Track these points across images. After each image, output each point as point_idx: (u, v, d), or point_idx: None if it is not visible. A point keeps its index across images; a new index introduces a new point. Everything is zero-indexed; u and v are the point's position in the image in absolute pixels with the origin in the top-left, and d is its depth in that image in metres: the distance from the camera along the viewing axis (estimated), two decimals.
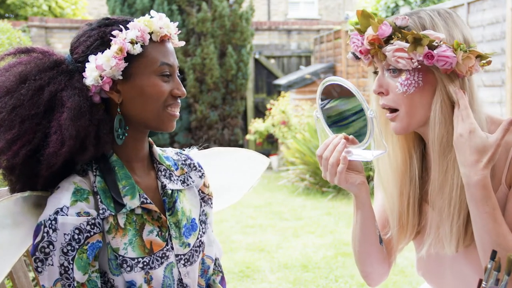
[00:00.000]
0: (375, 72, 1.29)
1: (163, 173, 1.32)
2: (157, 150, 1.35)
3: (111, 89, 1.20)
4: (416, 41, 1.15)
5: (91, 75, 1.17)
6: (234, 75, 9.48)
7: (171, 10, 9.03)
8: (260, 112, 10.47)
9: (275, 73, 10.82)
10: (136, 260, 1.19)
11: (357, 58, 1.30)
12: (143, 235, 1.22)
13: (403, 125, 1.25)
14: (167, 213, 1.28)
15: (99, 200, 1.18)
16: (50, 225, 1.12)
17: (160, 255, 1.24)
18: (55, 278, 1.12)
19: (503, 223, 1.15)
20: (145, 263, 1.20)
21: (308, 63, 11.00)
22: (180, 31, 1.29)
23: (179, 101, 1.27)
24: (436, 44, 1.15)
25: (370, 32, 1.20)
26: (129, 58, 1.19)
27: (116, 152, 1.24)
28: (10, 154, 1.13)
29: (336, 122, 1.32)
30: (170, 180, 1.33)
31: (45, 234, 1.12)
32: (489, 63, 1.21)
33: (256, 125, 9.25)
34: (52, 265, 1.11)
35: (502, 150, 1.19)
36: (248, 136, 9.51)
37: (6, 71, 1.19)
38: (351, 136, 1.28)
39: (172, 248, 1.27)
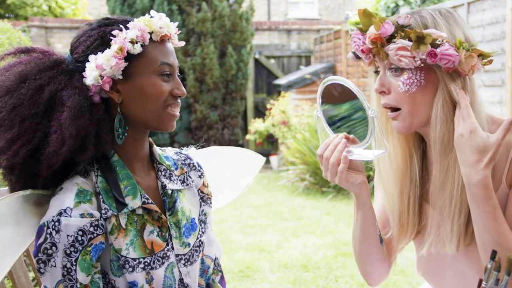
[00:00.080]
0: (376, 72, 1.29)
1: (163, 173, 1.32)
2: (157, 150, 1.35)
3: (111, 88, 1.20)
4: (419, 40, 1.15)
5: (91, 74, 1.17)
6: (234, 75, 9.48)
7: (171, 10, 9.03)
8: (260, 112, 10.47)
9: (275, 73, 10.83)
10: (137, 261, 1.19)
11: (357, 57, 1.30)
12: (144, 236, 1.22)
13: (406, 124, 1.25)
14: (167, 213, 1.28)
15: (102, 200, 1.18)
16: (53, 227, 1.12)
17: (161, 256, 1.24)
18: (57, 279, 1.12)
19: (503, 222, 1.16)
20: (146, 264, 1.20)
21: (308, 63, 11.00)
22: (180, 31, 1.29)
23: (179, 101, 1.27)
24: (439, 43, 1.16)
25: (372, 31, 1.20)
26: (129, 57, 1.19)
27: (116, 152, 1.24)
28: (10, 154, 1.13)
29: (336, 121, 1.32)
30: (170, 180, 1.33)
31: (48, 236, 1.12)
32: (490, 62, 1.21)
33: (256, 125, 9.25)
34: (55, 266, 1.11)
35: (503, 150, 1.19)
36: (248, 136, 9.51)
37: (6, 70, 1.19)
38: (351, 136, 1.28)
39: (173, 248, 1.27)
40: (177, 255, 1.27)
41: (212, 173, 1.51)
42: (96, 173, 1.21)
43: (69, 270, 1.11)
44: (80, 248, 1.12)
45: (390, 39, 1.19)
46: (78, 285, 1.12)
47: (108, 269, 1.19)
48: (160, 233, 1.25)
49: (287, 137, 8.29)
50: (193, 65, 9.18)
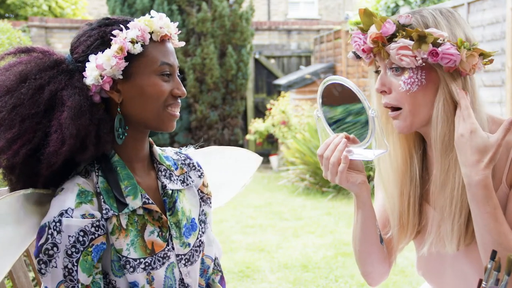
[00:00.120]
0: (377, 72, 1.29)
1: (163, 173, 1.32)
2: (157, 150, 1.35)
3: (111, 88, 1.20)
4: (421, 39, 1.15)
5: (91, 74, 1.17)
6: (234, 75, 9.48)
7: (171, 10, 9.03)
8: (260, 112, 10.47)
9: (275, 73, 10.83)
10: (138, 261, 1.19)
11: (358, 57, 1.30)
12: (144, 236, 1.22)
13: (407, 123, 1.25)
14: (167, 213, 1.28)
15: (102, 200, 1.18)
16: (55, 227, 1.12)
17: (162, 256, 1.24)
18: (58, 280, 1.11)
19: (504, 222, 1.16)
20: (147, 264, 1.20)
21: (308, 63, 11.00)
22: (180, 31, 1.29)
23: (179, 101, 1.27)
24: (441, 42, 1.16)
25: (373, 30, 1.20)
26: (130, 57, 1.19)
27: (117, 152, 1.24)
28: (10, 153, 1.13)
29: (332, 124, 1.33)
30: (170, 180, 1.33)
31: (49, 236, 1.12)
32: (491, 61, 1.21)
33: (256, 125, 9.25)
34: (56, 267, 1.11)
35: (503, 150, 1.19)
36: (248, 136, 9.51)
37: (7, 70, 1.19)
38: (352, 136, 1.28)
39: (173, 248, 1.27)
40: (177, 255, 1.27)
41: (211, 173, 1.51)
42: (97, 173, 1.21)
43: (70, 271, 1.11)
44: (81, 249, 1.12)
45: (391, 38, 1.19)
46: (79, 286, 1.12)
47: (109, 270, 1.19)
48: (160, 233, 1.25)
49: (287, 137, 8.28)
50: (193, 65, 9.18)
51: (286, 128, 8.57)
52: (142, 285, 1.19)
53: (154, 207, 1.25)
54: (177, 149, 1.46)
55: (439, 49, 1.15)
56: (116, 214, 1.18)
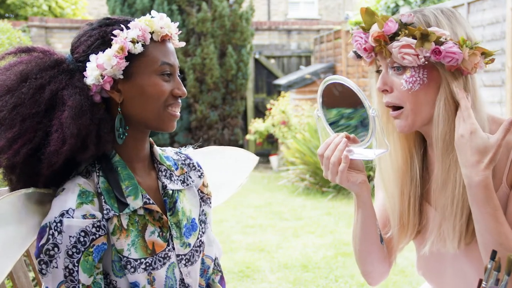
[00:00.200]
0: (378, 71, 1.29)
1: (163, 173, 1.32)
2: (158, 150, 1.35)
3: (112, 88, 1.20)
4: (424, 37, 1.15)
5: (92, 74, 1.17)
6: (234, 75, 9.48)
7: (171, 10, 9.03)
8: (260, 112, 10.47)
9: (275, 73, 10.83)
10: (139, 261, 1.19)
11: (358, 57, 1.30)
12: (145, 236, 1.22)
13: (408, 122, 1.25)
14: (168, 214, 1.28)
15: (103, 200, 1.18)
16: (56, 227, 1.12)
17: (162, 256, 1.24)
18: (59, 280, 1.11)
19: (505, 223, 1.16)
20: (147, 264, 1.20)
21: (308, 63, 11.00)
22: (180, 31, 1.29)
23: (179, 101, 1.27)
24: (443, 40, 1.16)
25: (375, 28, 1.20)
26: (130, 57, 1.19)
27: (118, 152, 1.24)
28: (11, 153, 1.13)
29: (331, 124, 1.33)
30: (171, 180, 1.33)
31: (50, 236, 1.12)
32: (492, 60, 1.21)
33: (256, 125, 9.25)
34: (57, 267, 1.11)
35: (503, 150, 1.19)
36: (248, 136, 9.51)
37: (7, 70, 1.19)
38: (352, 135, 1.28)
39: (173, 248, 1.27)
40: (177, 255, 1.27)
41: (210, 173, 1.52)
42: (97, 174, 1.21)
43: (71, 271, 1.11)
44: (82, 249, 1.12)
45: (393, 37, 1.19)
46: (80, 286, 1.12)
47: (110, 270, 1.18)
48: (161, 233, 1.25)
49: (287, 137, 8.28)
50: (193, 65, 9.18)
51: (286, 128, 8.57)
52: (143, 286, 1.19)
53: (155, 207, 1.25)
54: (177, 149, 1.46)
55: (442, 47, 1.15)
56: (117, 214, 1.18)
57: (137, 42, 1.19)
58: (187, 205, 1.35)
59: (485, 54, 1.19)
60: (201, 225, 1.36)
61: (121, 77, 1.19)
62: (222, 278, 1.46)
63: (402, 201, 1.35)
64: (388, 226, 1.41)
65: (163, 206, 1.29)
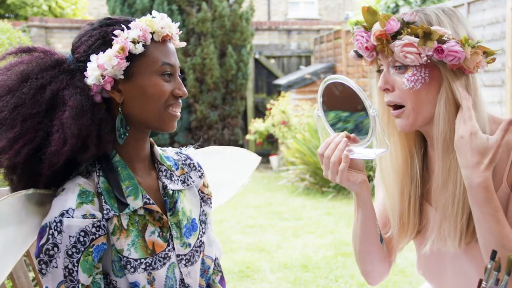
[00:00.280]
0: (379, 71, 1.30)
1: (164, 173, 1.32)
2: (158, 150, 1.35)
3: (113, 88, 1.20)
4: (426, 36, 1.16)
5: (92, 74, 1.17)
6: (234, 75, 9.48)
7: (171, 10, 9.03)
8: (260, 112, 10.47)
9: (275, 73, 10.82)
10: (139, 261, 1.19)
11: (359, 56, 1.30)
12: (145, 236, 1.22)
13: (409, 121, 1.25)
14: (168, 214, 1.28)
15: (103, 200, 1.18)
16: (55, 227, 1.12)
17: (163, 256, 1.24)
18: (59, 280, 1.11)
19: (506, 224, 1.16)
20: (147, 264, 1.20)
21: (308, 63, 11.00)
22: (180, 31, 1.29)
23: (180, 101, 1.27)
24: (446, 39, 1.16)
25: (377, 27, 1.20)
26: (131, 57, 1.19)
27: (118, 152, 1.24)
28: (12, 153, 1.13)
29: (334, 124, 1.33)
30: (171, 180, 1.33)
31: (50, 236, 1.12)
32: (493, 60, 1.21)
33: (256, 125, 9.24)
34: (56, 267, 1.11)
35: (504, 150, 1.19)
36: (248, 136, 9.51)
37: (8, 70, 1.19)
38: (352, 135, 1.28)
39: (174, 249, 1.27)
40: (178, 256, 1.27)
41: (211, 173, 1.52)
42: (98, 174, 1.21)
43: (71, 271, 1.11)
44: (82, 249, 1.12)
45: (395, 35, 1.19)
46: (80, 286, 1.12)
47: (110, 270, 1.19)
48: (161, 233, 1.25)
49: (287, 137, 8.28)
50: (193, 65, 9.18)
51: (286, 128, 8.56)
52: (143, 286, 1.19)
53: (155, 207, 1.25)
54: (177, 149, 1.46)
55: (444, 46, 1.15)
56: (117, 214, 1.18)
57: (138, 42, 1.19)
58: (188, 205, 1.35)
59: (486, 53, 1.19)
60: (201, 225, 1.36)
61: (122, 77, 1.19)
62: (222, 278, 1.46)
63: (402, 201, 1.35)
64: (388, 225, 1.41)
65: (163, 206, 1.29)
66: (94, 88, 1.19)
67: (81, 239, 1.12)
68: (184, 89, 1.26)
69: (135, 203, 1.21)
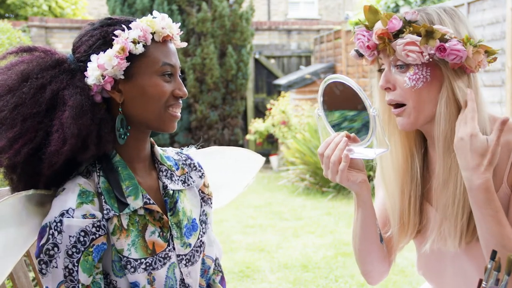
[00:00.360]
0: (380, 70, 1.30)
1: (164, 173, 1.32)
2: (159, 150, 1.35)
3: (113, 88, 1.20)
4: (428, 34, 1.16)
5: (92, 74, 1.17)
6: (234, 75, 9.48)
7: (171, 10, 9.03)
8: (260, 112, 10.47)
9: (275, 73, 10.82)
10: (139, 261, 1.19)
11: (360, 55, 1.30)
12: (145, 236, 1.22)
13: (410, 120, 1.25)
14: (168, 214, 1.28)
15: (103, 200, 1.18)
16: (56, 227, 1.12)
17: (163, 256, 1.24)
18: (59, 280, 1.11)
19: (507, 225, 1.16)
20: (147, 264, 1.20)
21: (308, 63, 11.00)
22: (181, 31, 1.29)
23: (180, 101, 1.27)
24: (448, 38, 1.16)
25: (379, 26, 1.20)
26: (131, 57, 1.19)
27: (118, 152, 1.24)
28: (12, 153, 1.13)
29: (333, 126, 1.33)
30: (171, 180, 1.33)
31: (50, 236, 1.12)
32: (495, 59, 1.21)
33: (256, 125, 9.24)
34: (57, 267, 1.11)
35: (504, 150, 1.19)
36: (248, 136, 9.51)
37: (8, 69, 1.19)
38: (352, 134, 1.28)
39: (174, 249, 1.27)
40: (178, 256, 1.27)
41: (212, 173, 1.52)
42: (98, 174, 1.21)
43: (71, 271, 1.11)
44: (82, 249, 1.12)
45: (397, 34, 1.19)
46: (80, 286, 1.12)
47: (110, 270, 1.19)
48: (161, 233, 1.25)
49: (287, 137, 8.28)
50: (193, 65, 9.18)
51: (286, 128, 8.56)
52: (143, 286, 1.19)
53: (155, 207, 1.25)
54: (178, 149, 1.46)
55: (447, 44, 1.15)
56: (117, 214, 1.18)
57: (138, 43, 1.19)
58: (188, 205, 1.35)
59: (488, 52, 1.19)
60: (201, 225, 1.36)
61: (122, 77, 1.19)
62: (222, 278, 1.46)
63: (402, 200, 1.35)
64: (388, 225, 1.41)
65: (163, 206, 1.29)
66: (95, 88, 1.19)
67: (81, 239, 1.12)
68: (185, 89, 1.26)
69: (135, 203, 1.21)
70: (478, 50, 1.17)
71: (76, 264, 1.11)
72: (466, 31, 1.21)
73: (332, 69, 9.61)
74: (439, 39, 1.16)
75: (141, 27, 1.19)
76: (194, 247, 1.31)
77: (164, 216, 1.26)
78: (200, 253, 1.33)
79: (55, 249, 1.11)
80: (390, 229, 1.40)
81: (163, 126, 1.24)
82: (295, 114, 8.80)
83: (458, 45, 1.15)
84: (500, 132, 1.14)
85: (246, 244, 4.83)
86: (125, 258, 1.18)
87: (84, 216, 1.14)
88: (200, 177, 1.42)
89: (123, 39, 1.18)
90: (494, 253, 1.06)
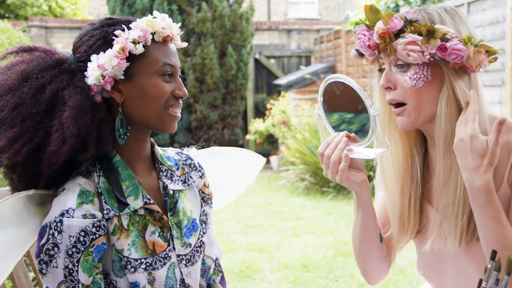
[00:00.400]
0: (380, 70, 1.30)
1: (164, 173, 1.32)
2: (159, 150, 1.35)
3: (113, 88, 1.20)
4: (430, 34, 1.16)
5: (92, 74, 1.17)
6: (234, 75, 9.48)
7: (171, 10, 9.03)
8: (260, 112, 10.47)
9: (275, 73, 10.82)
10: (139, 261, 1.19)
11: (360, 55, 1.30)
12: (145, 236, 1.22)
13: (411, 119, 1.25)
14: (168, 214, 1.28)
15: (104, 200, 1.18)
16: (56, 227, 1.12)
17: (163, 256, 1.24)
18: (59, 280, 1.11)
19: (507, 225, 1.16)
20: (148, 264, 1.20)
21: (308, 63, 11.00)
22: (181, 31, 1.29)
23: (180, 101, 1.27)
24: (449, 37, 1.16)
25: (380, 25, 1.20)
26: (131, 58, 1.19)
27: (118, 152, 1.24)
28: (12, 152, 1.13)
29: (332, 128, 1.33)
30: (172, 180, 1.33)
31: (50, 236, 1.12)
32: (495, 59, 1.21)
33: (256, 125, 9.25)
34: (57, 267, 1.11)
35: (504, 150, 1.19)
36: (248, 136, 9.51)
37: (8, 69, 1.19)
38: (352, 134, 1.28)
39: (174, 249, 1.27)
40: (178, 256, 1.27)
41: (212, 173, 1.52)
42: (98, 174, 1.21)
43: (71, 271, 1.11)
44: (82, 249, 1.12)
45: (398, 34, 1.19)
46: (80, 286, 1.12)
47: (110, 270, 1.19)
48: (161, 233, 1.25)
49: (287, 137, 8.28)
50: (193, 65, 9.18)
51: (286, 128, 8.57)
52: (143, 286, 1.19)
53: (155, 208, 1.25)
54: (178, 150, 1.46)
55: (448, 44, 1.15)
56: (117, 214, 1.18)
57: (138, 43, 1.19)
58: (188, 205, 1.35)
59: (489, 52, 1.19)
60: (202, 225, 1.36)
61: (122, 77, 1.19)
62: (223, 278, 1.46)
63: (402, 200, 1.35)
64: (388, 225, 1.41)
65: (163, 206, 1.29)
66: (94, 88, 1.19)
67: (81, 239, 1.12)
68: (185, 89, 1.26)
69: (135, 203, 1.21)
70: (479, 49, 1.17)
71: (76, 264, 1.12)
72: (467, 30, 1.21)
73: (332, 69, 9.61)
74: (440, 38, 1.16)
75: (141, 27, 1.19)
76: (194, 247, 1.31)
77: (164, 216, 1.26)
78: (200, 253, 1.33)
79: (55, 249, 1.11)
80: (390, 229, 1.39)
81: (163, 126, 1.24)
82: (295, 114, 8.80)
83: (459, 44, 1.15)
84: (498, 133, 1.14)
85: (246, 244, 4.83)
86: (125, 258, 1.18)
87: (84, 216, 1.14)
88: (200, 177, 1.42)
89: (123, 39, 1.18)
90: (494, 253, 1.06)
